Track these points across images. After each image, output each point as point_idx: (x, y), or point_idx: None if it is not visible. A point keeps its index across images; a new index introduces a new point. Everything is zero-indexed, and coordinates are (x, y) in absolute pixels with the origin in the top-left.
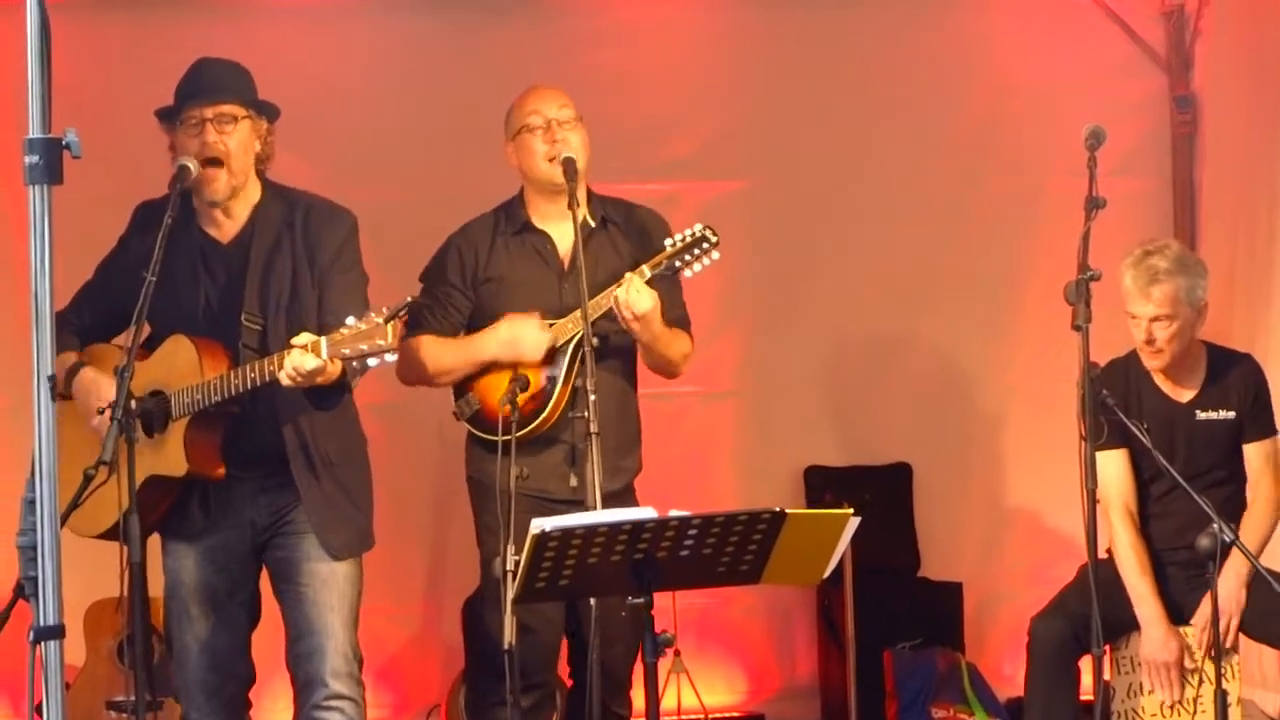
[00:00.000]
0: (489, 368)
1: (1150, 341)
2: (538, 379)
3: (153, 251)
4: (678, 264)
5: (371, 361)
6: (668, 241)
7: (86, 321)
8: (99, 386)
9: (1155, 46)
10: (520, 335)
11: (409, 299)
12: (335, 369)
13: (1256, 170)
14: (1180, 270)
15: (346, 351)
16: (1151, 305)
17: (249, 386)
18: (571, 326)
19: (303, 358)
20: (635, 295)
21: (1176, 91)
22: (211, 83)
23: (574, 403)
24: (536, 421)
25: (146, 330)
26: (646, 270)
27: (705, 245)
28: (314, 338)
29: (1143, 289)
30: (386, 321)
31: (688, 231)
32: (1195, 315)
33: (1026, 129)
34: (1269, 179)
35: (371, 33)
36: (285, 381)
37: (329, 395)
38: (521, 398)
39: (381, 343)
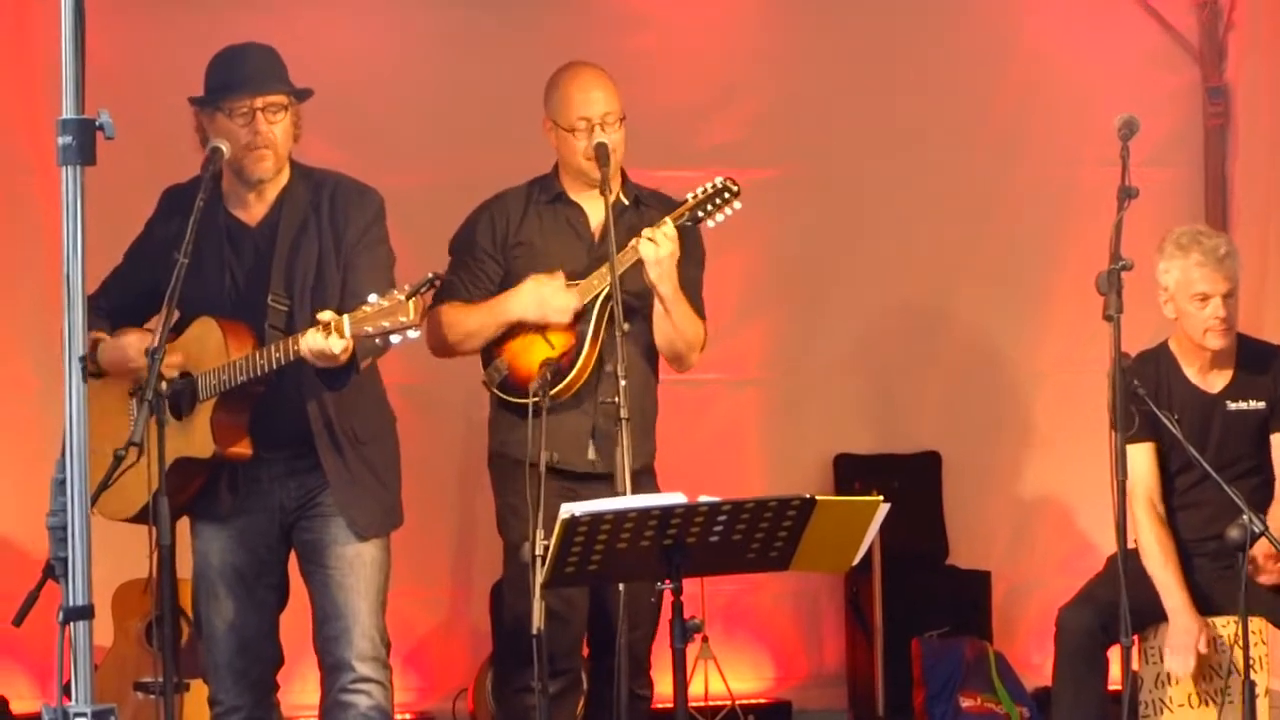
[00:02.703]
0: (516, 332)
1: (1226, 318)
2: (565, 341)
3: (180, 235)
4: (700, 214)
5: (394, 339)
6: (689, 194)
7: (115, 306)
8: (126, 346)
9: (1188, 37)
10: (546, 296)
11: (430, 275)
12: (347, 352)
13: None
14: (1233, 250)
15: (369, 329)
16: (1227, 282)
17: (273, 366)
18: (598, 283)
19: (324, 341)
20: (664, 235)
21: (1209, 83)
22: (258, 71)
23: (600, 367)
24: (565, 381)
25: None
26: (669, 222)
27: (726, 195)
28: (336, 316)
29: (1216, 265)
30: (408, 298)
31: (708, 184)
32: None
33: (1059, 119)
34: None
35: (402, 16)
36: (307, 355)
37: (338, 376)
38: (554, 381)
39: (404, 319)
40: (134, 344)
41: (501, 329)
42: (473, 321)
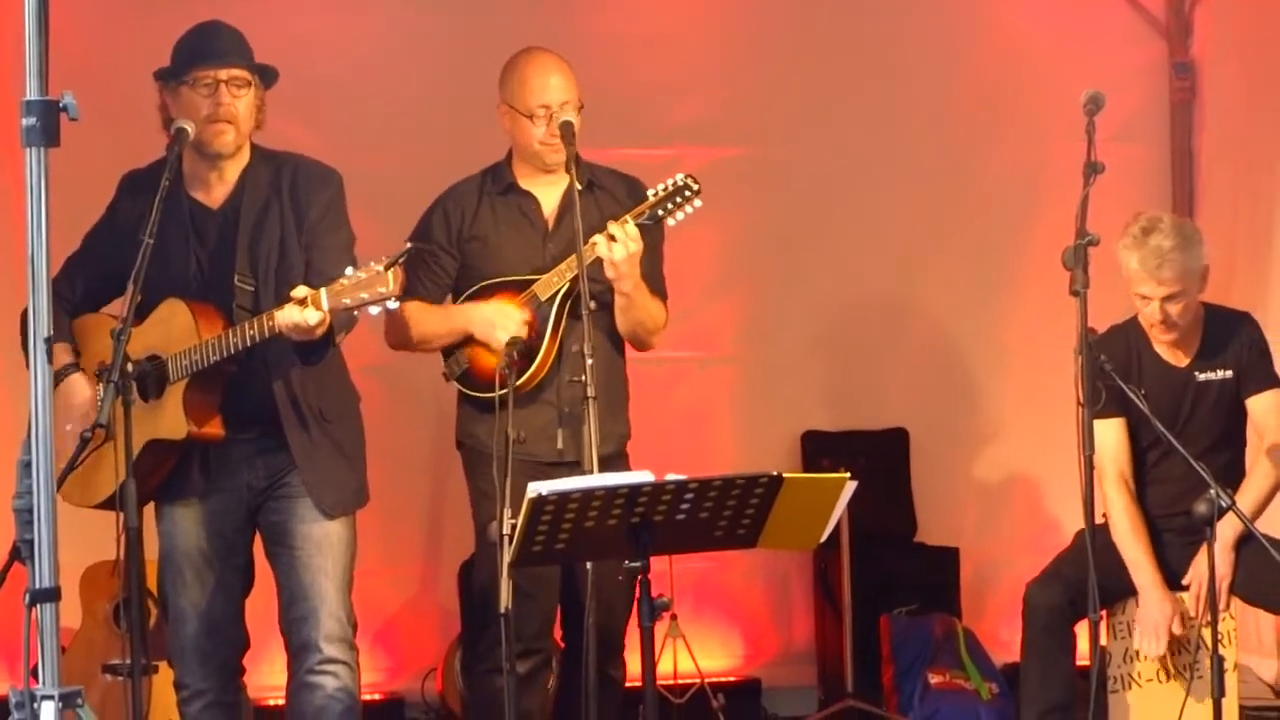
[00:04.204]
0: None
1: (1164, 320)
2: (525, 335)
3: (142, 217)
4: (660, 212)
5: (373, 310)
6: (650, 191)
7: (77, 292)
8: (78, 394)
9: (1155, 12)
10: (499, 324)
11: (408, 245)
12: (324, 325)
13: (1256, 135)
14: (1183, 245)
15: (347, 301)
16: (1164, 287)
17: (248, 344)
18: (557, 280)
19: (300, 314)
20: (626, 235)
21: (1176, 58)
22: (225, 46)
23: (561, 358)
24: (524, 377)
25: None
26: (629, 220)
27: (687, 193)
28: (312, 290)
29: (1153, 272)
30: (387, 269)
31: (669, 181)
32: (1200, 283)
33: (1026, 95)
34: (1269, 144)
35: (372, 1)
36: (284, 329)
37: (315, 349)
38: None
39: (383, 290)
40: (84, 392)
41: (456, 338)
42: (429, 326)
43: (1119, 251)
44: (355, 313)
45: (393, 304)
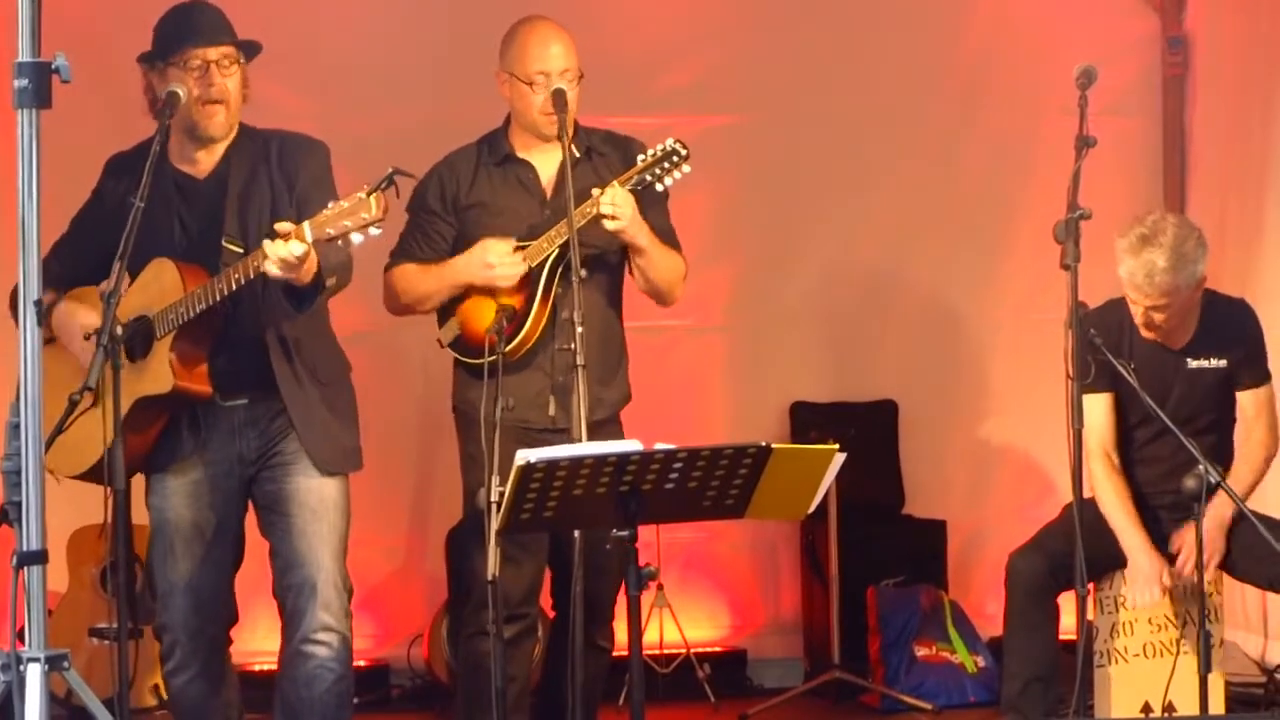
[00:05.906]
0: (469, 293)
1: (1147, 324)
2: (516, 301)
3: (129, 194)
4: (649, 177)
5: (356, 238)
6: (639, 157)
7: (67, 273)
8: (77, 315)
9: None
10: (492, 263)
11: (391, 170)
12: (312, 263)
13: (1248, 111)
14: (1176, 265)
15: (331, 231)
16: (1149, 299)
17: (233, 288)
18: (547, 246)
19: (285, 246)
20: (619, 196)
21: (1169, 32)
22: (211, 25)
23: (553, 325)
24: (515, 342)
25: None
26: (618, 186)
27: (676, 158)
28: (294, 225)
29: (1139, 285)
30: (369, 194)
31: (658, 146)
32: (1193, 293)
33: (1019, 68)
34: (1261, 121)
35: None
36: (273, 270)
37: (305, 295)
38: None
39: (366, 215)
40: (84, 312)
41: (454, 291)
42: (425, 285)
43: (1116, 246)
44: (341, 243)
45: (375, 230)
